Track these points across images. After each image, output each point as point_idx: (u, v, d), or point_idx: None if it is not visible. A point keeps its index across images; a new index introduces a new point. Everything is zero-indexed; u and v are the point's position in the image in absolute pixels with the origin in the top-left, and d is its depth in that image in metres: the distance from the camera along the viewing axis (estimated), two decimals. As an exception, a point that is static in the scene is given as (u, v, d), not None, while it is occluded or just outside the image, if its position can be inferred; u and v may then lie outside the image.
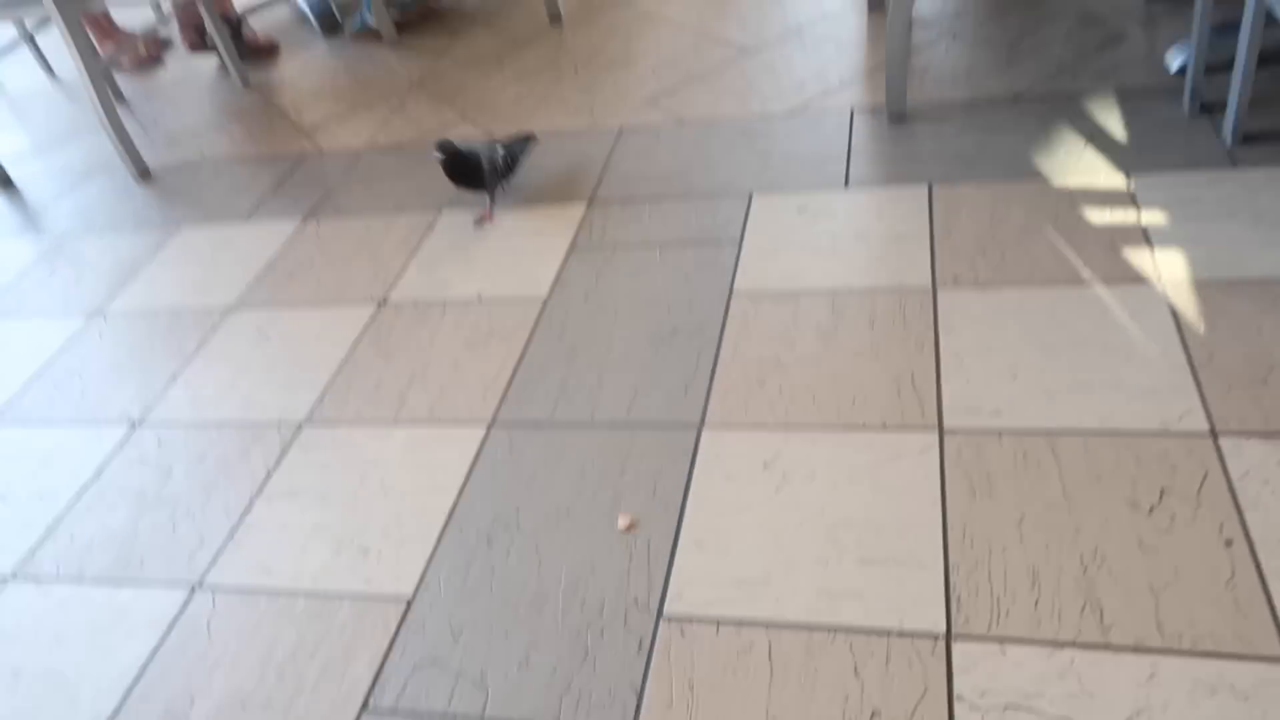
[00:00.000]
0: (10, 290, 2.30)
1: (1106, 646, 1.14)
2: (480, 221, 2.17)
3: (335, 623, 1.34)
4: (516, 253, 2.04)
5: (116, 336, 2.04)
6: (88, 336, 2.06)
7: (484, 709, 1.19)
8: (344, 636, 1.31)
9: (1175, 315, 1.56)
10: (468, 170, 2.14)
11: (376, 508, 1.50)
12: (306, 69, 3.18)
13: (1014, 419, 1.44)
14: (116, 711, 1.28)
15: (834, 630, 1.21)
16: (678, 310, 1.79)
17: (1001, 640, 1.16)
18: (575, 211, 2.14)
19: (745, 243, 1.93)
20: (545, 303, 1.88)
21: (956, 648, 1.17)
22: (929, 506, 1.34)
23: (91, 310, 2.15)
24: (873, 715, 1.11)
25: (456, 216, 2.20)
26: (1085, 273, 1.68)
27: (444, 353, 1.80)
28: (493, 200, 2.19)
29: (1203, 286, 1.60)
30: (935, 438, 1.43)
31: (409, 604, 1.34)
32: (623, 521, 1.40)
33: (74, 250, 2.41)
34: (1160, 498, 1.29)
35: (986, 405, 1.47)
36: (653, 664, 1.21)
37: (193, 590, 1.43)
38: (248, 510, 1.54)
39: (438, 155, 2.10)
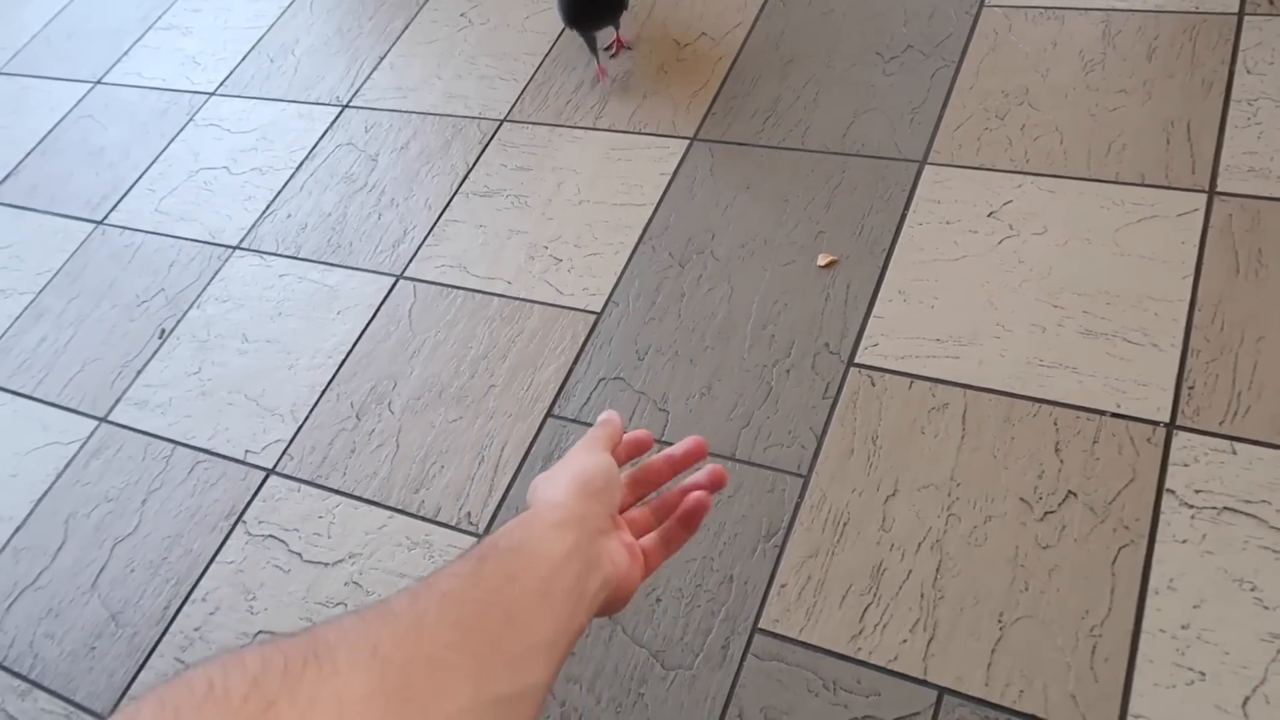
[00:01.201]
0: (228, -45, 2.29)
1: (1363, 464, 1.00)
2: (613, 50, 1.68)
3: (526, 328, 1.36)
4: (737, -60, 1.82)
5: (326, 11, 2.02)
6: (299, 8, 2.05)
7: (664, 431, 1.21)
8: (534, 342, 1.34)
9: None
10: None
11: (571, 216, 1.48)
12: None
13: (1309, 188, 1.21)
14: (330, 383, 1.39)
15: (1040, 402, 1.12)
16: (915, 21, 1.56)
17: (1234, 439, 1.04)
18: (808, -108, 1.85)
19: (1007, -58, 1.63)
20: (766, 2, 1.68)
21: (1178, 439, 1.06)
22: (1178, 280, 1.17)
23: (303, -19, 2.12)
24: (1068, 495, 1.05)
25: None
26: None
27: (650, 55, 1.67)
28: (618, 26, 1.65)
29: None
30: (1203, 200, 1.23)
31: (597, 318, 1.35)
32: (823, 259, 1.31)
33: (285, -86, 2.34)
34: None
35: (1277, 168, 1.23)
36: (837, 410, 1.17)
37: (396, 279, 1.48)
38: (447, 205, 1.56)
39: None
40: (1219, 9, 1.42)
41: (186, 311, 1.55)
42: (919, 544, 1.05)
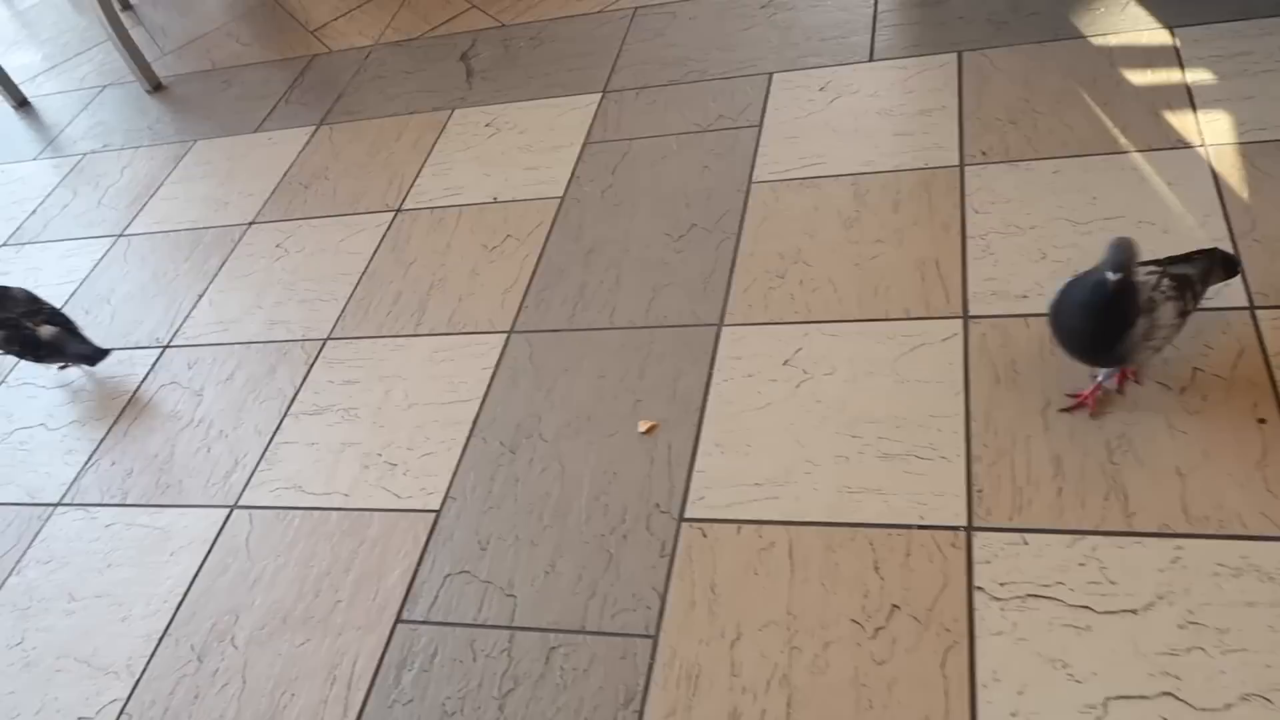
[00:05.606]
0: (37, 215, 2.31)
1: (1129, 533, 1.12)
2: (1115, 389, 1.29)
3: (367, 537, 1.37)
4: (530, 150, 1.99)
5: (141, 258, 2.06)
6: (113, 259, 2.08)
7: (513, 616, 1.23)
8: (376, 550, 1.35)
9: (1217, 182, 1.48)
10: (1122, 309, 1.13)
11: (402, 421, 1.52)
12: (309, -37, 3.08)
13: (1041, 302, 1.39)
14: (167, 629, 1.34)
15: (855, 527, 1.21)
16: (696, 203, 1.74)
17: (1023, 530, 1.15)
18: (589, 102, 2.07)
19: (765, 126, 1.86)
20: (561, 202, 1.84)
21: (977, 539, 1.16)
22: (952, 397, 1.31)
23: (115, 231, 2.16)
24: (893, 609, 1.12)
25: (468, 116, 2.15)
26: (1123, 140, 1.59)
27: (461, 259, 1.78)
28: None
29: (1249, 149, 1.51)
30: (959, 325, 1.40)
31: (437, 516, 1.37)
32: (643, 425, 1.40)
33: (93, 170, 2.40)
34: (1193, 377, 1.25)
35: (1013, 289, 1.42)
36: (675, 567, 1.23)
37: (230, 510, 1.47)
38: (278, 429, 1.57)
39: (1112, 276, 1.07)
40: (943, 163, 1.65)
41: (5, 580, 1.48)
42: (767, 682, 1.09)
